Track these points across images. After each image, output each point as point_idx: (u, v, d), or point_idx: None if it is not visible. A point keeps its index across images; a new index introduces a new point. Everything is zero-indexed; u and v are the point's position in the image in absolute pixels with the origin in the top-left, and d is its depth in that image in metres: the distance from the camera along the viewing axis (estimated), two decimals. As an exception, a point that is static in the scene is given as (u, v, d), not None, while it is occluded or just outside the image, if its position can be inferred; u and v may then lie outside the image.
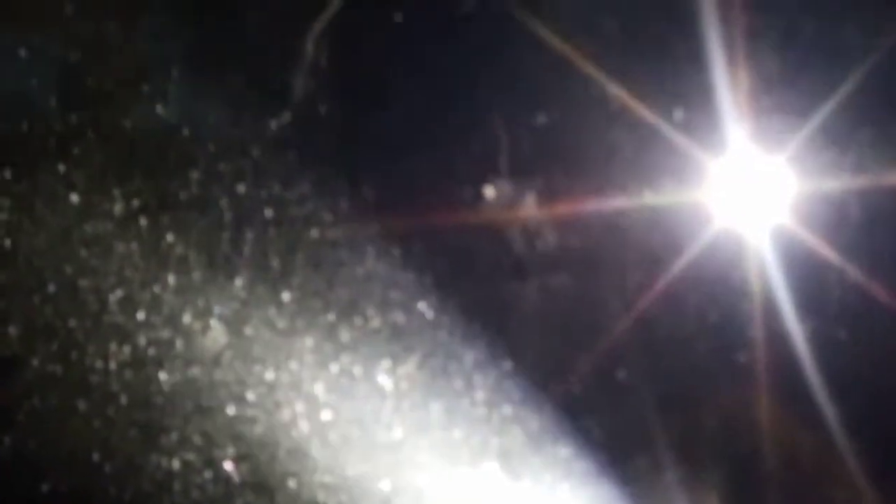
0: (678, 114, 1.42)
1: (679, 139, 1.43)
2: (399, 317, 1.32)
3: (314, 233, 1.34)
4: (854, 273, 1.42)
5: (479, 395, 1.32)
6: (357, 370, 1.31)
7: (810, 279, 1.43)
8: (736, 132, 1.43)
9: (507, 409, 1.33)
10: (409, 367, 1.32)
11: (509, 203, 1.41)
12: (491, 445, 1.31)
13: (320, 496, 1.30)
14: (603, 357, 1.42)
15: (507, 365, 1.34)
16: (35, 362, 1.32)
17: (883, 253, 1.43)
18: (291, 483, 1.31)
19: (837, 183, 1.44)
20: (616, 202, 1.43)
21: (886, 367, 1.42)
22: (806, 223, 1.43)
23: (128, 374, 1.32)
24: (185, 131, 1.36)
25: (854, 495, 1.40)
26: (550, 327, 1.40)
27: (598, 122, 1.42)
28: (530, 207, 1.41)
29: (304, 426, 1.30)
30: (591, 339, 1.42)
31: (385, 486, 1.29)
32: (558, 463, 1.33)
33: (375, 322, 1.32)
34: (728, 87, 1.42)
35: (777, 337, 1.42)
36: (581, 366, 1.41)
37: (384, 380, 1.31)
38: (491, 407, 1.32)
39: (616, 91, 1.40)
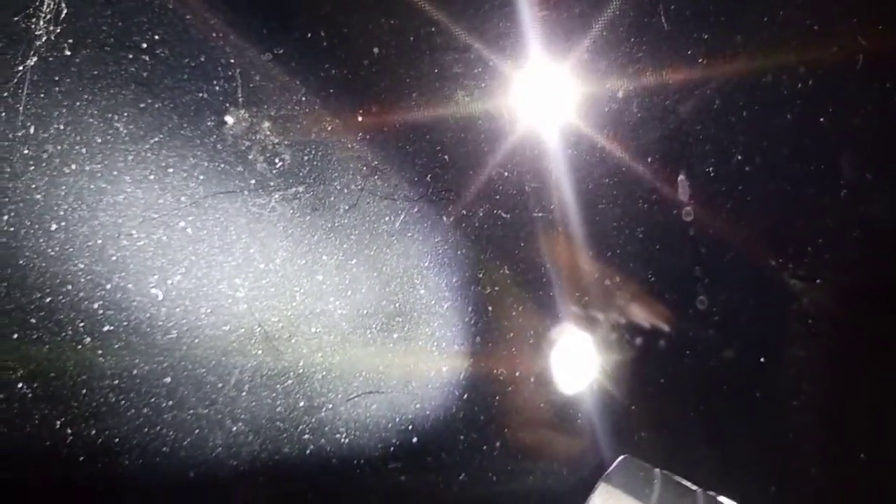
0: (461, 21, 1.48)
1: (466, 45, 1.49)
2: (162, 234, 1.45)
3: (74, 165, 1.39)
4: (636, 166, 1.59)
5: (240, 293, 1.53)
6: (129, 285, 1.43)
7: (597, 173, 1.61)
8: (524, 37, 1.48)
9: (266, 303, 1.55)
10: (177, 277, 1.47)
11: (251, 125, 1.57)
12: (255, 335, 1.54)
13: (111, 397, 1.43)
14: (350, 258, 1.66)
15: (262, 267, 1.56)
16: None
17: (663, 147, 1.62)
18: (83, 391, 1.41)
19: (620, 84, 1.53)
20: (390, 111, 1.55)
21: (660, 239, 1.72)
22: (592, 123, 1.55)
23: None
24: None
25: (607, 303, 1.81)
26: (300, 235, 1.62)
27: (371, 30, 1.53)
28: (278, 128, 1.58)
29: (86, 341, 1.40)
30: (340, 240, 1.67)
31: (167, 382, 1.46)
32: (313, 342, 1.60)
33: (140, 241, 1.43)
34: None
35: (567, 223, 1.65)
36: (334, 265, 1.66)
37: (154, 291, 1.45)
38: (251, 304, 1.54)
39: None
